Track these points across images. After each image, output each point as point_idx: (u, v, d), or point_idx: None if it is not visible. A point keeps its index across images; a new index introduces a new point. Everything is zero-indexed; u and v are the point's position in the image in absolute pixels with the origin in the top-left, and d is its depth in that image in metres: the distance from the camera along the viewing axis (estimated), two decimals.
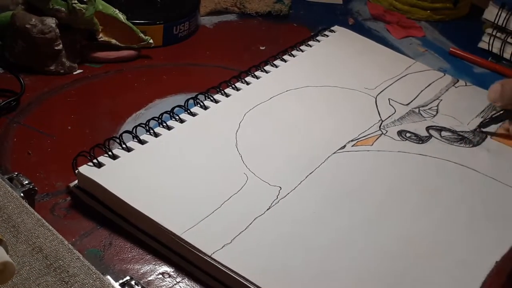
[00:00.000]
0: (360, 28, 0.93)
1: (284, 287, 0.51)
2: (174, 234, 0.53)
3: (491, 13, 0.89)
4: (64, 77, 0.73)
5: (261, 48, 0.85)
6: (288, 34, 0.89)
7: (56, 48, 0.72)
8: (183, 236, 0.53)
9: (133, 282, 0.46)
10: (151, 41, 0.78)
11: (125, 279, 0.47)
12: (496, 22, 0.89)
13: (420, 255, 0.56)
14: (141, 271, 0.53)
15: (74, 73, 0.74)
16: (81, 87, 0.73)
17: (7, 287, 0.43)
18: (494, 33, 0.90)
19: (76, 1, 0.71)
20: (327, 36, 0.86)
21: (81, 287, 0.43)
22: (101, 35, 0.76)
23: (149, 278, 0.53)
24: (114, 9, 0.76)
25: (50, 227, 0.47)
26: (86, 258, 0.45)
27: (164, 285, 0.52)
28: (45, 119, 0.67)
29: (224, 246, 0.53)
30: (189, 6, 0.85)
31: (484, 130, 0.74)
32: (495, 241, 0.58)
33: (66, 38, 0.73)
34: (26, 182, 0.53)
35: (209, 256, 0.52)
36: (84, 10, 0.72)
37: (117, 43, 0.77)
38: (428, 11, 0.98)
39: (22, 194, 0.52)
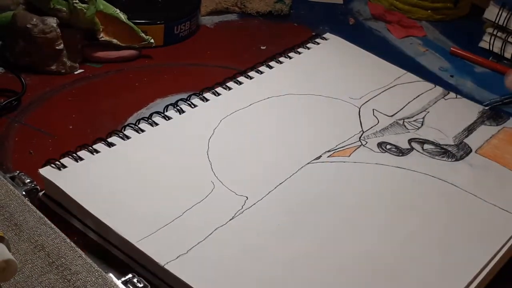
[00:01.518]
0: (360, 28, 0.93)
1: None
2: (128, 243, 0.51)
3: (491, 12, 0.89)
4: (65, 76, 0.73)
5: (261, 47, 0.85)
6: (289, 34, 0.89)
7: (57, 47, 0.72)
8: (137, 245, 0.51)
9: (135, 280, 0.46)
10: (152, 40, 0.78)
11: (127, 277, 0.47)
12: (496, 21, 0.89)
13: (384, 272, 0.53)
14: None
15: (75, 72, 0.74)
16: (82, 86, 0.73)
17: (10, 285, 0.43)
18: (494, 33, 0.90)
19: (77, 1, 0.72)
20: (318, 43, 0.83)
21: (84, 284, 0.43)
22: (102, 34, 0.76)
23: None
24: (115, 9, 0.76)
25: (52, 225, 0.47)
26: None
27: None
28: (46, 118, 0.67)
29: (179, 256, 0.51)
30: (190, 6, 0.85)
31: (492, 107, 0.75)
32: (467, 260, 0.55)
33: (67, 38, 0.73)
34: (28, 180, 0.53)
35: (162, 267, 0.50)
36: (85, 10, 0.72)
37: (118, 42, 0.77)
38: (429, 11, 0.98)
39: (24, 193, 0.52)
